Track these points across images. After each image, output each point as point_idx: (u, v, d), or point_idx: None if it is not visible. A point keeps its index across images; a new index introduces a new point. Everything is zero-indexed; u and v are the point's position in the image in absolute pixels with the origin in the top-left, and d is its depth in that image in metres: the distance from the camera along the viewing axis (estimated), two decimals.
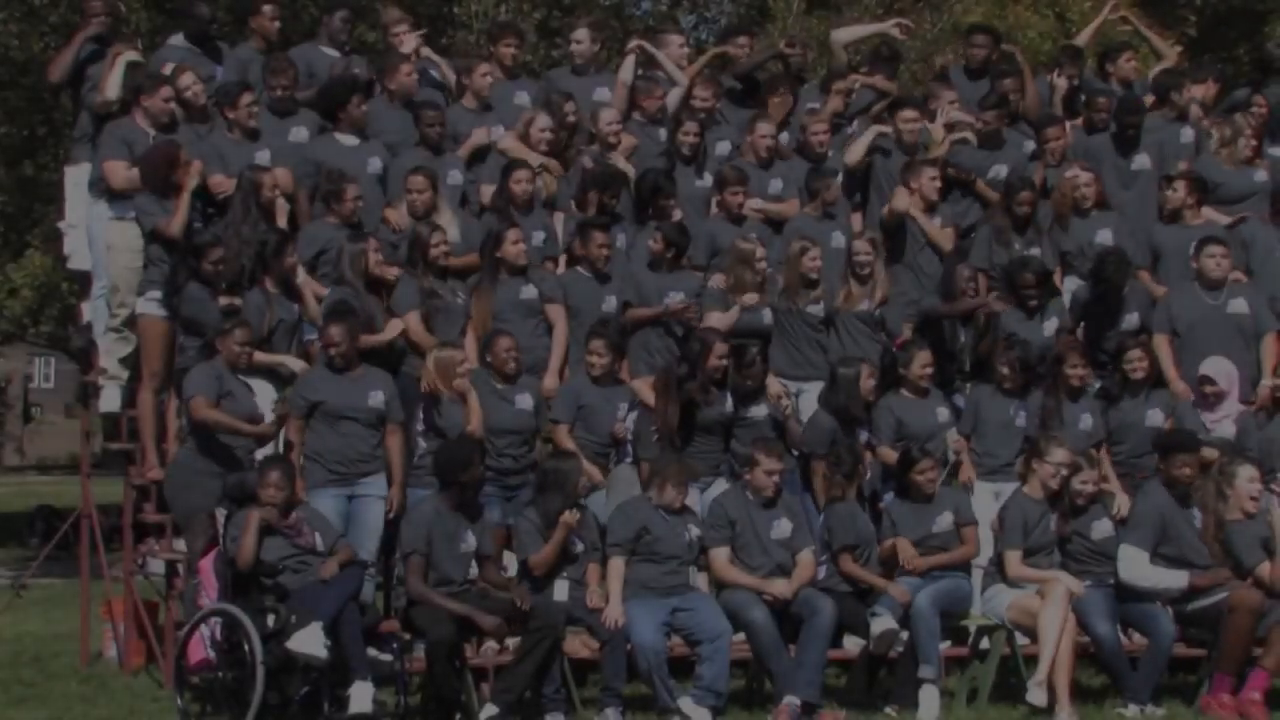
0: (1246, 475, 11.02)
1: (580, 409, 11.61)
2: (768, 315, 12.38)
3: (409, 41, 13.59)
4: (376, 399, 11.15)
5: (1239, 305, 12.53)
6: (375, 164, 12.63)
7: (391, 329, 11.57)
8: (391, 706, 10.27)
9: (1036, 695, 10.35)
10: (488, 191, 12.76)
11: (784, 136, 13.64)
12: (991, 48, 14.67)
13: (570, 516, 10.59)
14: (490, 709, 10.14)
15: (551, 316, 12.10)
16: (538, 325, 12.06)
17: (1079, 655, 10.77)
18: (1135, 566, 10.87)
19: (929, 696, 10.53)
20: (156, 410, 11.92)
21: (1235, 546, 10.91)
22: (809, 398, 12.20)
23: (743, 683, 11.00)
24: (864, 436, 11.88)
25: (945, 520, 11.10)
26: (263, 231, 11.71)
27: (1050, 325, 12.52)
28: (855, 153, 13.13)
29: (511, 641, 10.66)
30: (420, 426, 11.23)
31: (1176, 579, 10.87)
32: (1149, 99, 14.18)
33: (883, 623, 10.61)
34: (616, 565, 10.63)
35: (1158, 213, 13.37)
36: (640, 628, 10.40)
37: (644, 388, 11.79)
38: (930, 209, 12.96)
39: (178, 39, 13.57)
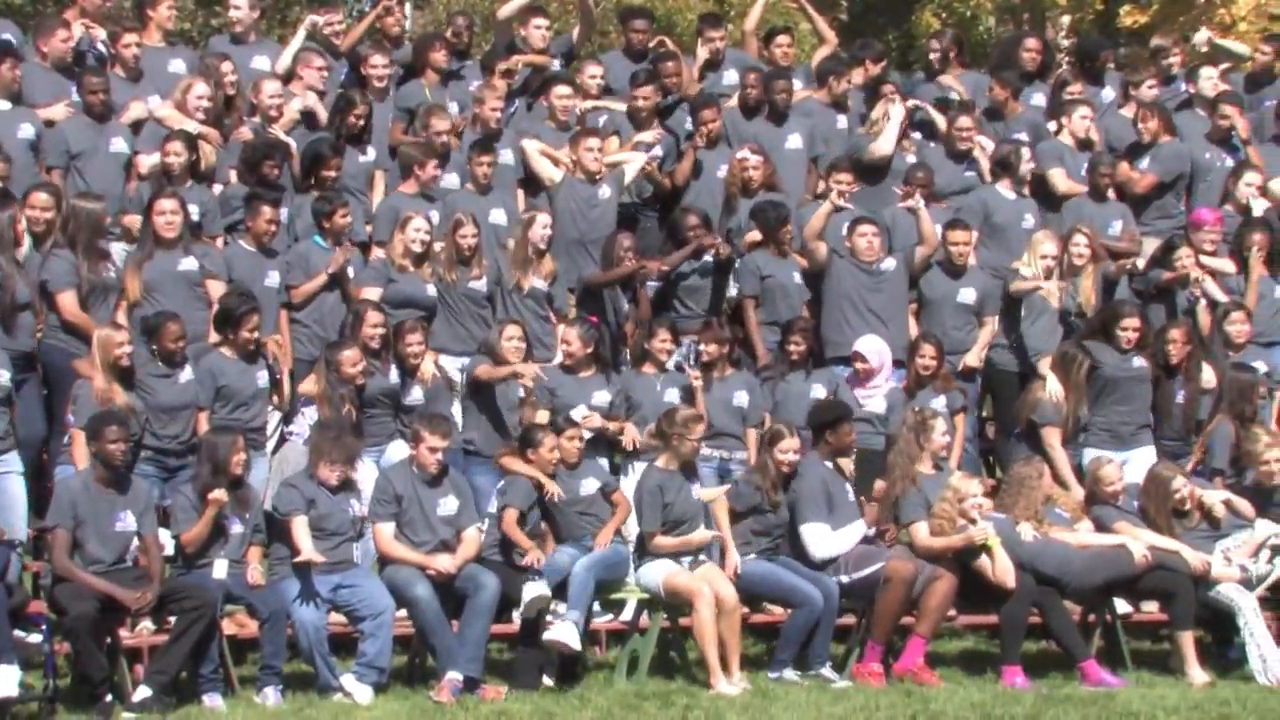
0: (941, 429, 11.47)
1: (220, 389, 11.43)
2: (431, 289, 12.36)
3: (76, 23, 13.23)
4: (1, 377, 10.85)
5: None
6: (27, 130, 12.31)
7: None
8: (40, 689, 9.95)
9: None
10: (144, 162, 12.49)
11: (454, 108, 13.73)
12: (651, 32, 14.90)
13: (219, 493, 10.40)
14: (143, 690, 9.90)
15: (212, 293, 11.85)
16: (197, 298, 11.81)
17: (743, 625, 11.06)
18: (822, 541, 11.13)
19: (566, 628, 10.52)
20: None
21: (905, 500, 11.30)
22: None
23: (405, 659, 10.96)
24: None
25: (590, 485, 11.17)
26: None
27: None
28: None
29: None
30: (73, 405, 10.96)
31: (857, 530, 11.18)
32: (814, 86, 14.62)
33: (534, 588, 10.62)
34: (300, 523, 10.45)
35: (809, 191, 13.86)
36: (301, 604, 10.29)
37: (308, 382, 11.64)
38: (593, 180, 13.12)
39: None
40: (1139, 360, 12.56)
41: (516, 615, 10.87)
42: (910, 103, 14.29)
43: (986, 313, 13.15)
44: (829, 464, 11.37)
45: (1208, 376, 12.59)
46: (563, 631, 10.52)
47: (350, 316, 11.84)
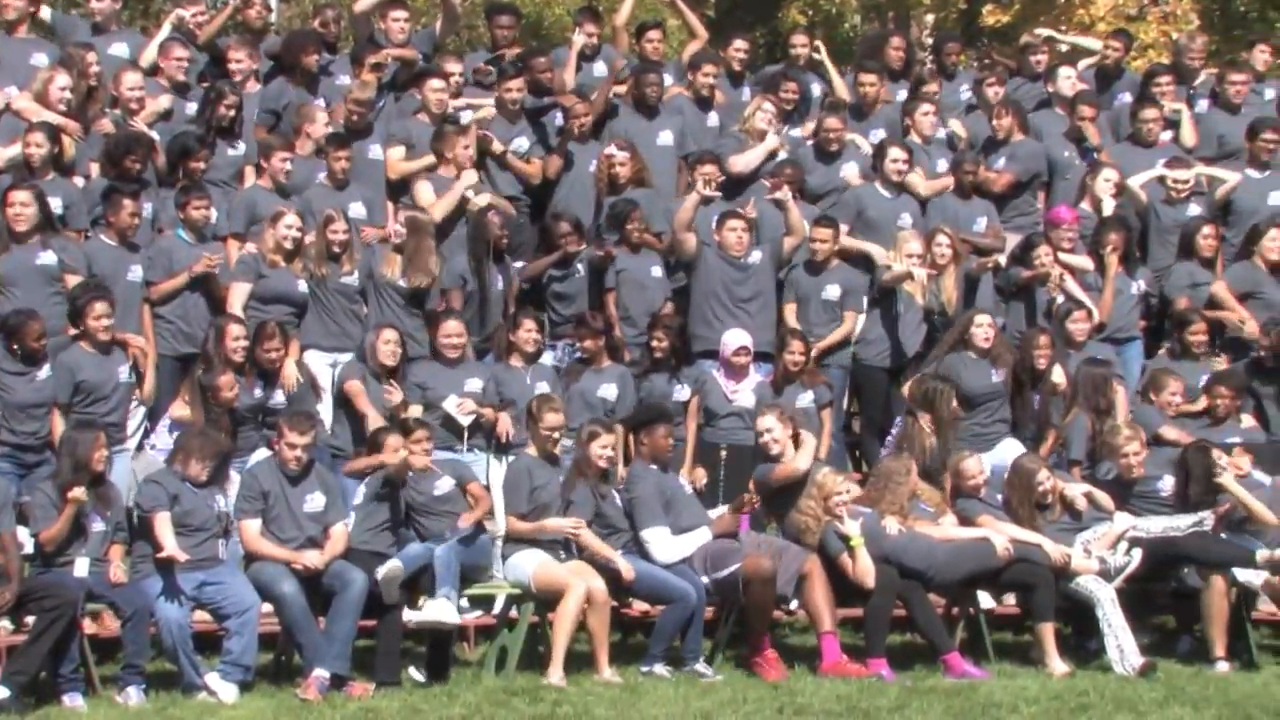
0: (765, 425, 11.51)
1: (79, 384, 11.29)
2: (302, 284, 12.28)
3: None
4: None
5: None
6: None
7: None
8: None
9: None
10: (2, 155, 12.31)
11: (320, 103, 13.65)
12: (518, 28, 14.89)
13: (78, 491, 10.26)
14: (1, 691, 9.74)
15: (70, 286, 11.66)
16: (55, 293, 11.63)
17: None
18: (664, 545, 11.14)
19: (440, 605, 10.47)
20: None
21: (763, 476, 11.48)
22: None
23: (271, 657, 10.88)
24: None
25: (445, 484, 11.11)
26: None
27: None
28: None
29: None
30: None
31: (701, 536, 11.22)
32: (684, 83, 14.71)
33: (389, 566, 10.55)
34: (163, 519, 10.28)
35: (679, 189, 13.92)
36: (164, 602, 10.16)
37: (177, 405, 11.50)
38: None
39: None
40: (997, 375, 12.69)
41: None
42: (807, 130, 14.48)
43: (847, 307, 13.26)
44: (655, 467, 11.42)
45: (1058, 376, 12.77)
46: (437, 609, 10.47)
47: (211, 332, 11.66)
